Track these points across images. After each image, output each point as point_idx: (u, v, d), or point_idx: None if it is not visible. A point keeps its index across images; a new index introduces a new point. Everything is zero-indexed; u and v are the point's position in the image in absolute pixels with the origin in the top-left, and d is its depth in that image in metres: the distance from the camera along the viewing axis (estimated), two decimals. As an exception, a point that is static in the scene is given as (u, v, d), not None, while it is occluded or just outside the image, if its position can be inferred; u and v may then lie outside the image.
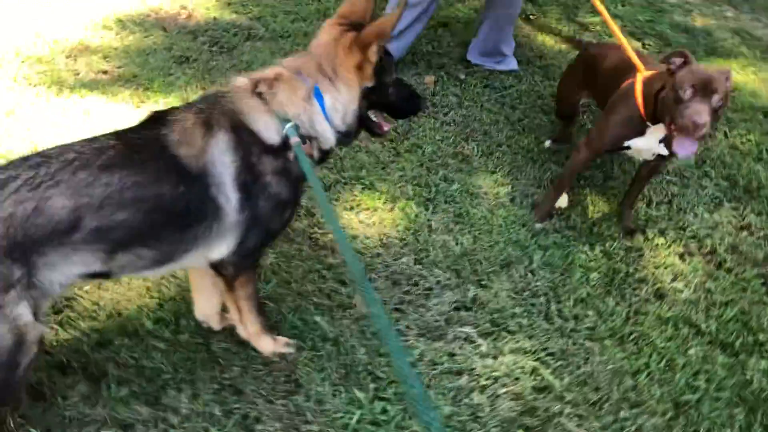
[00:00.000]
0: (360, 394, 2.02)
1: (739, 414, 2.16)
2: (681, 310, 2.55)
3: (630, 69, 2.64)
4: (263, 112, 1.76)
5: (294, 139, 1.74)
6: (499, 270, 2.61)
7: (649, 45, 4.65)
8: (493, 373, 2.17)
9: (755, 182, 3.33)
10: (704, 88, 2.23)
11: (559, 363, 2.24)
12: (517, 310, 2.45)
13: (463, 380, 2.14)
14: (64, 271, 1.55)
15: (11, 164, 1.55)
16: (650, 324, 2.46)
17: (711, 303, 2.61)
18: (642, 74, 2.57)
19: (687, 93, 2.24)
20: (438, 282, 2.50)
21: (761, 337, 2.46)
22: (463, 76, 3.96)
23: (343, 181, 2.96)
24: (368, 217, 2.77)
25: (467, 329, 2.32)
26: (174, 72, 3.54)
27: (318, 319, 2.26)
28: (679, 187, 3.28)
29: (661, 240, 2.90)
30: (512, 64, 4.13)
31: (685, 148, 2.31)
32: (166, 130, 1.67)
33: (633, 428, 2.08)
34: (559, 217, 2.93)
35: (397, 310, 2.38)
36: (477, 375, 2.16)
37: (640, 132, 2.55)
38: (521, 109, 3.73)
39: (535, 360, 2.24)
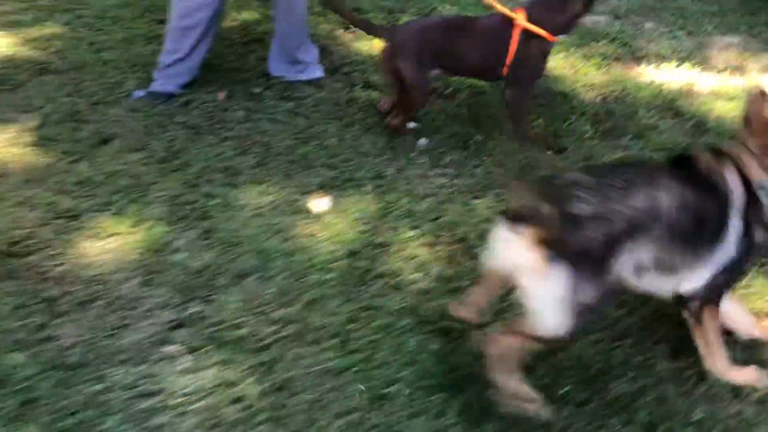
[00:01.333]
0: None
1: (436, 400, 2.13)
2: (410, 301, 2.52)
3: None
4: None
5: None
6: (234, 282, 2.57)
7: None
8: (186, 390, 2.11)
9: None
10: None
11: (263, 371, 2.20)
12: (241, 320, 2.40)
13: (155, 401, 2.08)
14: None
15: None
16: (377, 320, 2.43)
17: (445, 291, 2.59)
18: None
19: None
20: (158, 302, 2.44)
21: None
22: (258, 90, 3.92)
23: (93, 209, 2.88)
24: (108, 244, 2.70)
25: (173, 348, 2.26)
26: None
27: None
28: (449, 178, 3.28)
29: (412, 233, 2.88)
30: (316, 72, 4.12)
31: None
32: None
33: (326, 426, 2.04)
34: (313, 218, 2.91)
35: (111, 336, 2.31)
36: (169, 393, 2.10)
37: None
38: (313, 118, 3.71)
39: (240, 371, 2.19)
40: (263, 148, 3.39)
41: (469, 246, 2.84)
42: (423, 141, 3.56)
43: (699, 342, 2.18)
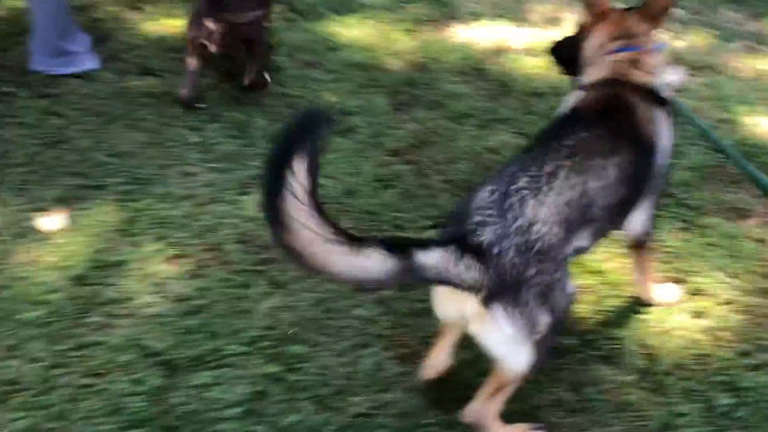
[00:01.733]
0: None
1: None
2: (136, 331, 2.15)
3: None
4: None
5: None
6: None
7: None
8: None
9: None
10: None
11: None
12: None
13: None
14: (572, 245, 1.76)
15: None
16: (91, 360, 2.06)
17: (182, 313, 2.23)
18: None
19: None
20: None
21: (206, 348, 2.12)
22: (9, 89, 3.39)
23: None
24: None
25: None
26: None
27: None
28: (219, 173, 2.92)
29: (156, 246, 2.49)
30: (87, 63, 3.61)
31: None
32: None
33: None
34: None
35: None
36: None
37: None
38: (70, 117, 3.24)
39: None
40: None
41: (223, 253, 2.47)
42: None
43: (640, 268, 2.27)
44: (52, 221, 2.60)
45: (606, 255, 2.49)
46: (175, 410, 1.95)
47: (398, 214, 2.72)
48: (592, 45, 2.09)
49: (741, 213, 2.77)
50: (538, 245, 1.61)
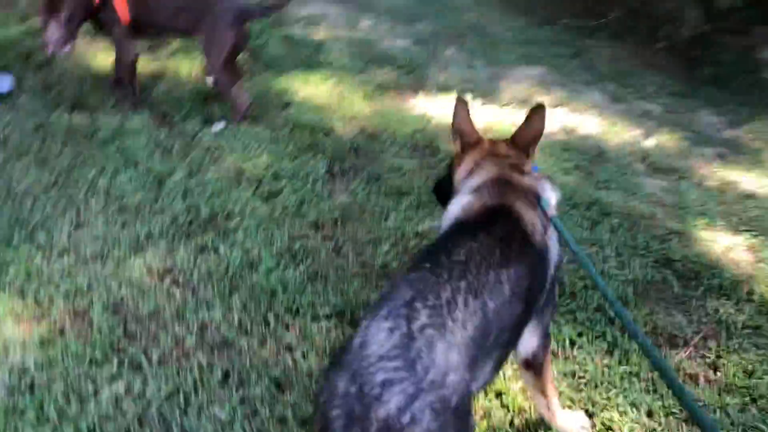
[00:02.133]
0: None
1: None
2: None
3: None
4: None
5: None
6: None
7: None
8: None
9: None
10: None
11: None
12: None
13: None
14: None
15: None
16: None
17: (16, 387, 1.93)
18: None
19: None
20: None
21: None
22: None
23: None
24: None
25: None
26: None
27: None
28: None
29: (11, 303, 2.21)
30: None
31: None
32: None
33: None
34: None
35: None
36: None
37: None
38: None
39: None
40: None
41: (85, 321, 2.21)
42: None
43: (538, 391, 1.95)
44: None
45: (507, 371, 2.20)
46: None
47: (299, 297, 2.44)
48: (464, 169, 1.90)
49: (674, 341, 2.49)
50: (454, 400, 1.31)
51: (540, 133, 1.87)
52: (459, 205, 1.76)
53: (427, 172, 3.42)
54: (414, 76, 4.56)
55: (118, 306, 2.32)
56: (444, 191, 2.00)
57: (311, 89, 4.06)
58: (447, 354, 1.34)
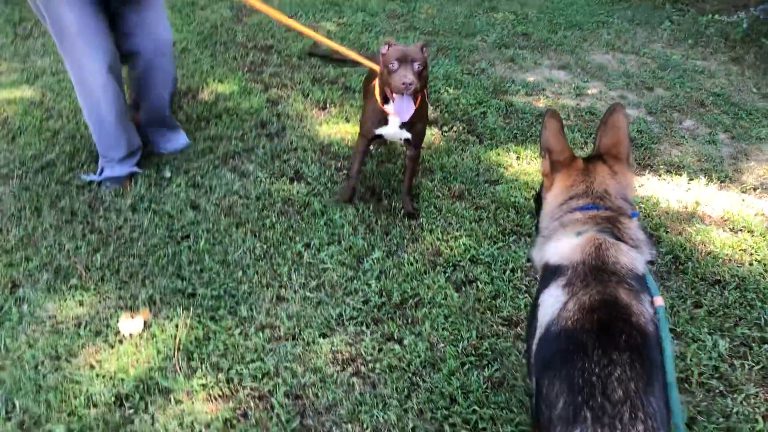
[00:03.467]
0: None
1: None
2: None
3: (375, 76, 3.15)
4: None
5: None
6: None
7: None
8: None
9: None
10: (405, 59, 2.82)
11: None
12: None
13: None
14: None
15: None
16: None
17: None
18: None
19: (394, 65, 2.82)
20: None
21: None
22: (169, 175, 3.59)
23: None
24: None
25: None
26: None
27: None
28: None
29: (206, 380, 2.35)
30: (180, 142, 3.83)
31: (403, 108, 2.88)
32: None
33: None
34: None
35: None
36: None
37: (385, 121, 3.13)
38: (207, 212, 3.31)
39: None
40: (122, 247, 3.00)
41: (267, 407, 2.25)
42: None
43: None
44: (131, 324, 2.57)
45: None
46: None
47: (479, 409, 2.27)
48: (555, 195, 1.74)
49: None
50: None
51: (626, 134, 1.74)
52: (553, 296, 1.57)
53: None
54: (642, 152, 4.16)
55: (299, 394, 2.32)
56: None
57: (523, 165, 3.89)
58: None
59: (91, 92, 3.19)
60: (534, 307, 1.67)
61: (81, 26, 3.05)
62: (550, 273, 1.66)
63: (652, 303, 1.57)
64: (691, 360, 2.53)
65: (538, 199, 1.93)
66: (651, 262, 1.69)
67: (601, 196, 1.70)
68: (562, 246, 1.65)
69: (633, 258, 1.60)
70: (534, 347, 1.60)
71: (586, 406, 1.35)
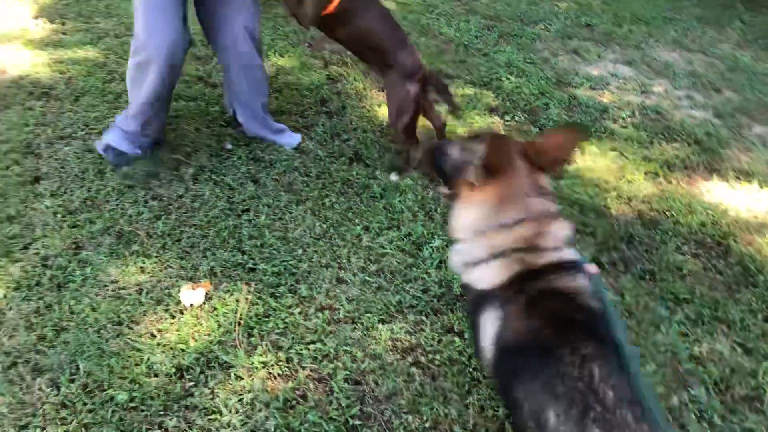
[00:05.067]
0: None
1: None
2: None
3: None
4: None
5: None
6: (25, 375, 2.19)
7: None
8: None
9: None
10: None
11: None
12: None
13: None
14: None
15: None
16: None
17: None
18: None
19: None
20: None
21: None
22: (233, 147, 3.58)
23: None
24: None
25: None
26: None
27: None
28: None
29: (267, 357, 2.33)
30: (294, 138, 3.69)
31: None
32: None
33: None
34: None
35: None
36: None
37: None
38: (266, 187, 3.29)
39: None
40: (183, 216, 3.00)
41: (326, 389, 2.23)
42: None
43: None
44: (192, 295, 2.56)
45: None
46: None
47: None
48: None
49: None
50: None
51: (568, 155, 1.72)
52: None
53: (714, 276, 2.93)
54: (709, 156, 4.03)
55: (359, 380, 2.29)
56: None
57: (587, 161, 3.79)
58: None
59: (146, 64, 3.12)
60: (474, 328, 1.67)
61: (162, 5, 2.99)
62: (480, 297, 1.66)
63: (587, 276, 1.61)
64: (763, 378, 2.43)
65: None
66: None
67: (524, 203, 1.67)
68: (486, 271, 1.65)
69: (560, 256, 1.64)
70: (489, 362, 1.61)
71: (587, 417, 1.33)
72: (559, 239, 1.67)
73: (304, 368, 2.33)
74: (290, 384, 2.26)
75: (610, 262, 3.00)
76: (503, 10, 6.25)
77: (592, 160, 3.80)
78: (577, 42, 5.68)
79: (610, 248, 3.08)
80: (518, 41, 5.50)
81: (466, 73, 4.71)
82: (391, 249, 2.94)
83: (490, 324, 1.60)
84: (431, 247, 2.97)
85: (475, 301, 1.69)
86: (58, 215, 2.94)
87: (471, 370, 2.37)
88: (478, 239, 1.69)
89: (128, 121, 3.26)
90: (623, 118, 4.36)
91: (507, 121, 4.16)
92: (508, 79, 4.72)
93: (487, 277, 1.65)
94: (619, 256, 3.04)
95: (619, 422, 1.31)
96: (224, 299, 2.57)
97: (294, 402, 2.20)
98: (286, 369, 2.32)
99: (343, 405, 2.20)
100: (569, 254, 1.65)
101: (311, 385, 2.27)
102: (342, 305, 2.62)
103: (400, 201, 3.25)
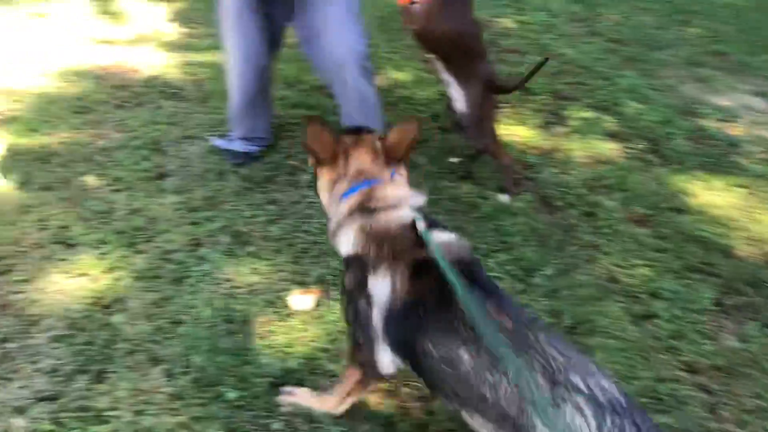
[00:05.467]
0: None
1: None
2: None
3: None
4: None
5: None
6: (140, 366, 2.31)
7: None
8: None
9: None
10: None
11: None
12: (114, 413, 2.12)
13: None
14: None
15: None
16: None
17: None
18: None
19: None
20: (50, 365, 2.29)
21: None
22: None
23: (88, 243, 2.84)
24: (70, 284, 2.64)
25: (20, 422, 2.06)
26: (67, 119, 3.71)
27: None
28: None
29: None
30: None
31: None
32: None
33: None
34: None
35: None
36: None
37: None
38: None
39: None
40: (298, 221, 3.06)
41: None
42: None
43: None
44: (302, 300, 2.60)
45: None
46: None
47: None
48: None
49: None
50: None
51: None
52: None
53: None
54: None
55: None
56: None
57: (713, 196, 3.58)
58: None
59: (231, 69, 3.26)
60: (364, 298, 1.75)
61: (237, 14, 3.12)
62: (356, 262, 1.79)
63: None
64: None
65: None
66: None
67: (356, 176, 1.83)
68: (346, 237, 1.80)
69: (399, 217, 1.76)
70: (380, 325, 1.72)
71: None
72: (393, 197, 1.81)
73: (406, 385, 2.30)
74: (393, 401, 2.24)
75: (735, 307, 2.81)
76: (628, 33, 6.05)
77: (718, 195, 3.59)
78: (706, 70, 5.40)
79: (734, 291, 2.89)
80: (643, 66, 5.29)
81: (587, 96, 4.58)
82: (500, 272, 2.87)
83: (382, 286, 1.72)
84: (542, 275, 2.88)
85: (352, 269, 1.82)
86: (180, 211, 3.07)
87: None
88: (331, 212, 1.89)
89: (235, 123, 3.44)
90: (755, 154, 4.10)
91: (629, 148, 4.00)
92: (630, 104, 4.54)
93: (345, 242, 1.82)
94: (746, 301, 2.85)
95: (527, 339, 1.46)
96: (332, 307, 2.58)
97: (397, 419, 2.17)
98: (390, 384, 2.30)
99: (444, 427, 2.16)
100: (410, 216, 1.77)
101: (412, 404, 2.23)
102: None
103: (511, 225, 3.18)
